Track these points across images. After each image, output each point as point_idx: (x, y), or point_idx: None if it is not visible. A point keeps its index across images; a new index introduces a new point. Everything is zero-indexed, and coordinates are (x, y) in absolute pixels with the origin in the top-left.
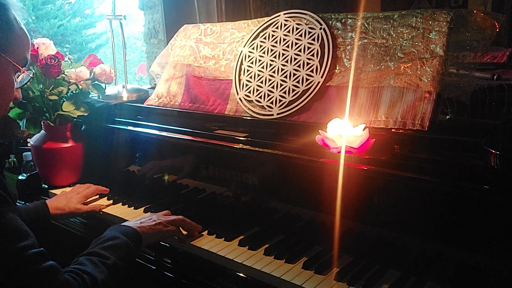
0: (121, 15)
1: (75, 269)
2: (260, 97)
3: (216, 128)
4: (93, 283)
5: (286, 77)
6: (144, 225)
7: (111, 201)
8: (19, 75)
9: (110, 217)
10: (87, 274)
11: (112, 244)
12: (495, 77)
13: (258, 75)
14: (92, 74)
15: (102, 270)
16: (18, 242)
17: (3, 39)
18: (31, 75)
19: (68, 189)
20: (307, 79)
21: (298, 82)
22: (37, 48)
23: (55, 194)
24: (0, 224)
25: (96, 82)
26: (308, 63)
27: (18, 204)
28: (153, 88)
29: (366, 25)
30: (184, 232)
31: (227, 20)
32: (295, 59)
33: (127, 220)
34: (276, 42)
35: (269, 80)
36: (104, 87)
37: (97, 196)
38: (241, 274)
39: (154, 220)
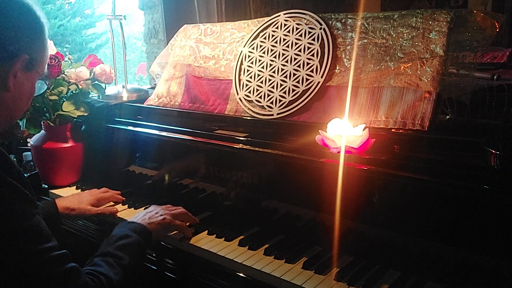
0: (121, 15)
1: (91, 271)
2: (260, 97)
3: (216, 128)
4: (110, 284)
5: (286, 77)
6: (153, 221)
7: (126, 206)
8: None
9: (110, 217)
10: (103, 276)
11: (124, 243)
12: (495, 77)
13: (258, 75)
14: (92, 74)
15: (117, 271)
16: (44, 243)
17: (39, 56)
18: (47, 83)
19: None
20: (307, 79)
21: (298, 82)
22: None
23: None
24: (28, 225)
25: (96, 82)
26: (308, 63)
27: None
28: (153, 88)
29: (366, 25)
30: (190, 229)
31: (227, 20)
32: (295, 59)
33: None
34: (276, 42)
35: (269, 80)
36: (104, 87)
37: (112, 203)
38: (241, 274)
39: (161, 215)
